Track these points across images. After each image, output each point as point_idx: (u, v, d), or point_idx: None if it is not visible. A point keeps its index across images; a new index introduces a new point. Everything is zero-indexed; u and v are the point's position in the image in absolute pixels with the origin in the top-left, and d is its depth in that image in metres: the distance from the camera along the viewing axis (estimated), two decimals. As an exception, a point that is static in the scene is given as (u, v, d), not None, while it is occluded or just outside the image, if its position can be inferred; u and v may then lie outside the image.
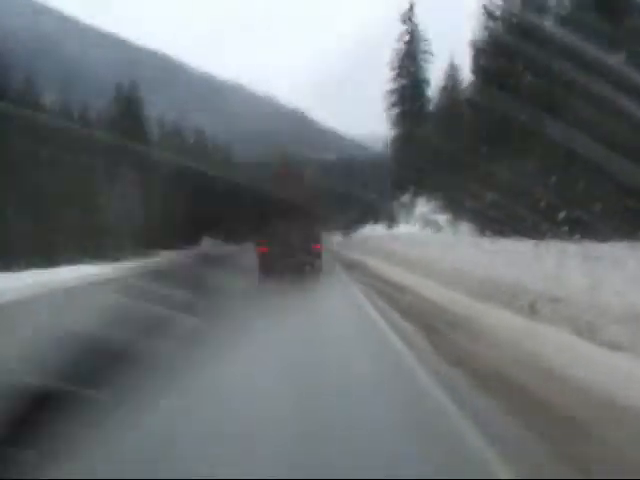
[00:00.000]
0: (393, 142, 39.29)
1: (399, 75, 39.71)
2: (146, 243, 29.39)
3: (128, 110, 37.98)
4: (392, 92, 39.97)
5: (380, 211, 36.32)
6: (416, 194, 30.55)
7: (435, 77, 38.30)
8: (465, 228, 22.43)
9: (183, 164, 40.69)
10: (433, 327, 5.97)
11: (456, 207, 23.01)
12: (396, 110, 40.03)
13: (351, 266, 14.36)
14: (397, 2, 40.11)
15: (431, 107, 38.85)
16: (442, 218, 24.12)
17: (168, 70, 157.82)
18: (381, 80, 40.29)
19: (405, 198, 31.76)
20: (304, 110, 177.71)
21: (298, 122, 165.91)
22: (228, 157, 70.25)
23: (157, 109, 50.70)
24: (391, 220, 29.42)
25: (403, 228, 26.62)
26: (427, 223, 24.83)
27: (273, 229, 11.72)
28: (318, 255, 13.05)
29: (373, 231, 31.89)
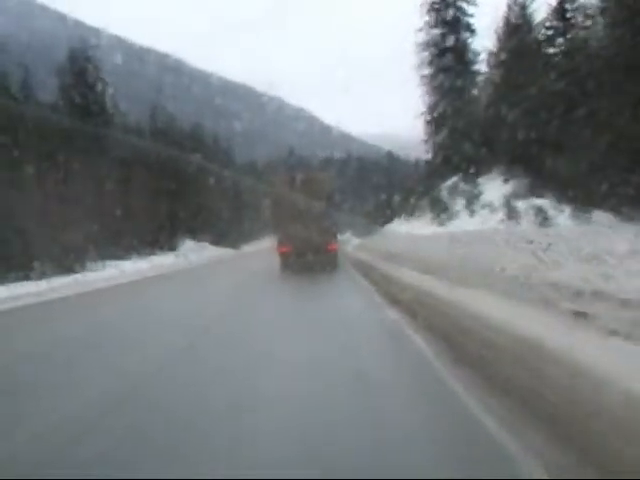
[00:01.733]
0: (429, 111, 29.40)
1: (435, 22, 29.87)
2: (78, 250, 19.74)
3: (80, 85, 28.49)
4: (425, 46, 30.15)
5: (411, 205, 26.48)
6: (470, 175, 20.70)
7: (482, 25, 28.66)
8: (603, 217, 12.56)
9: (159, 152, 31.51)
10: None
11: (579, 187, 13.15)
12: (430, 70, 30.20)
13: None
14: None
15: (479, 64, 29.15)
16: (544, 204, 14.34)
17: (168, 69, 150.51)
18: (387, 81, 30.75)
19: (456, 181, 21.85)
20: (310, 109, 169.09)
21: (304, 121, 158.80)
22: (228, 153, 63.23)
23: (155, 107, 42.94)
24: (440, 212, 19.53)
25: (466, 222, 16.81)
26: (514, 213, 15.01)
27: (291, 230, 12.61)
28: (334, 254, 13.54)
29: (409, 229, 21.96)
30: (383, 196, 43.34)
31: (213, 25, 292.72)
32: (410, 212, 24.89)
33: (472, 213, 17.53)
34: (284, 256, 12.80)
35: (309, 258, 12.42)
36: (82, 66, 28.97)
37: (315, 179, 13.60)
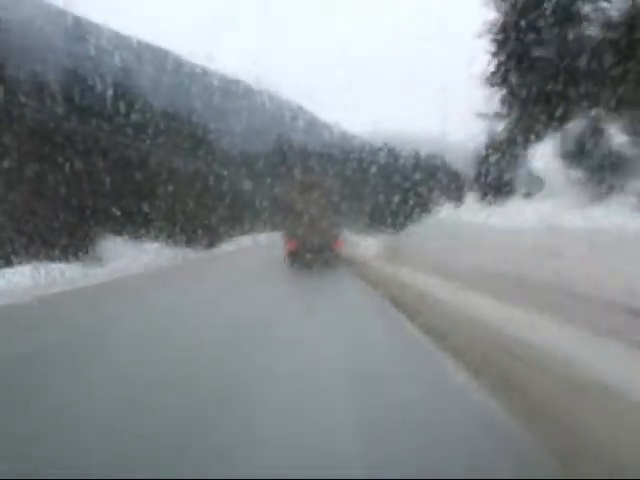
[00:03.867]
0: (499, 29, 17.29)
1: None
2: None
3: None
4: None
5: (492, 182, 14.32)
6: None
7: None
8: None
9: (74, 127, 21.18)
10: None
11: None
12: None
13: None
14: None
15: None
16: None
17: (163, 63, 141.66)
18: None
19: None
20: (309, 107, 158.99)
21: (302, 119, 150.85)
22: (217, 144, 54.79)
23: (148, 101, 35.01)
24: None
25: None
26: None
27: (299, 230, 14.21)
28: (337, 252, 14.88)
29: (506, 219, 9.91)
30: (393, 188, 34.87)
31: (211, 22, 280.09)
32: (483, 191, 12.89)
33: None
34: (292, 252, 14.68)
35: (313, 255, 14.17)
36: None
37: (322, 184, 15.24)
